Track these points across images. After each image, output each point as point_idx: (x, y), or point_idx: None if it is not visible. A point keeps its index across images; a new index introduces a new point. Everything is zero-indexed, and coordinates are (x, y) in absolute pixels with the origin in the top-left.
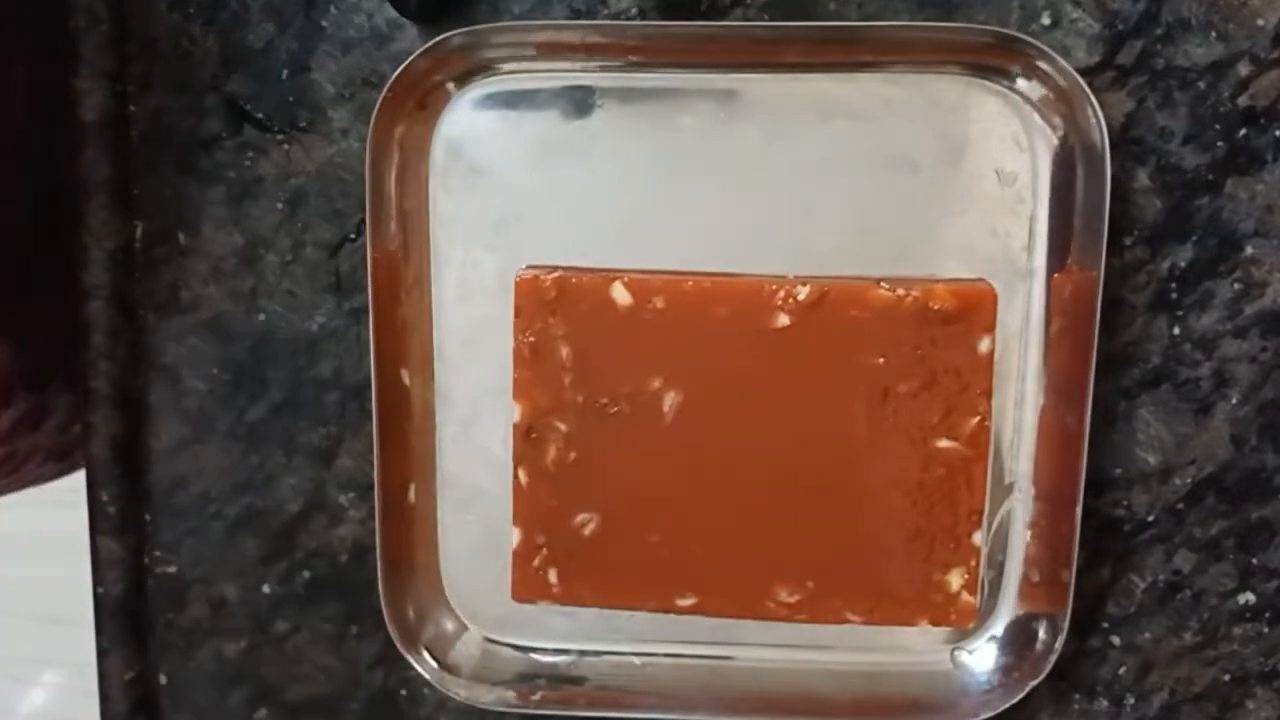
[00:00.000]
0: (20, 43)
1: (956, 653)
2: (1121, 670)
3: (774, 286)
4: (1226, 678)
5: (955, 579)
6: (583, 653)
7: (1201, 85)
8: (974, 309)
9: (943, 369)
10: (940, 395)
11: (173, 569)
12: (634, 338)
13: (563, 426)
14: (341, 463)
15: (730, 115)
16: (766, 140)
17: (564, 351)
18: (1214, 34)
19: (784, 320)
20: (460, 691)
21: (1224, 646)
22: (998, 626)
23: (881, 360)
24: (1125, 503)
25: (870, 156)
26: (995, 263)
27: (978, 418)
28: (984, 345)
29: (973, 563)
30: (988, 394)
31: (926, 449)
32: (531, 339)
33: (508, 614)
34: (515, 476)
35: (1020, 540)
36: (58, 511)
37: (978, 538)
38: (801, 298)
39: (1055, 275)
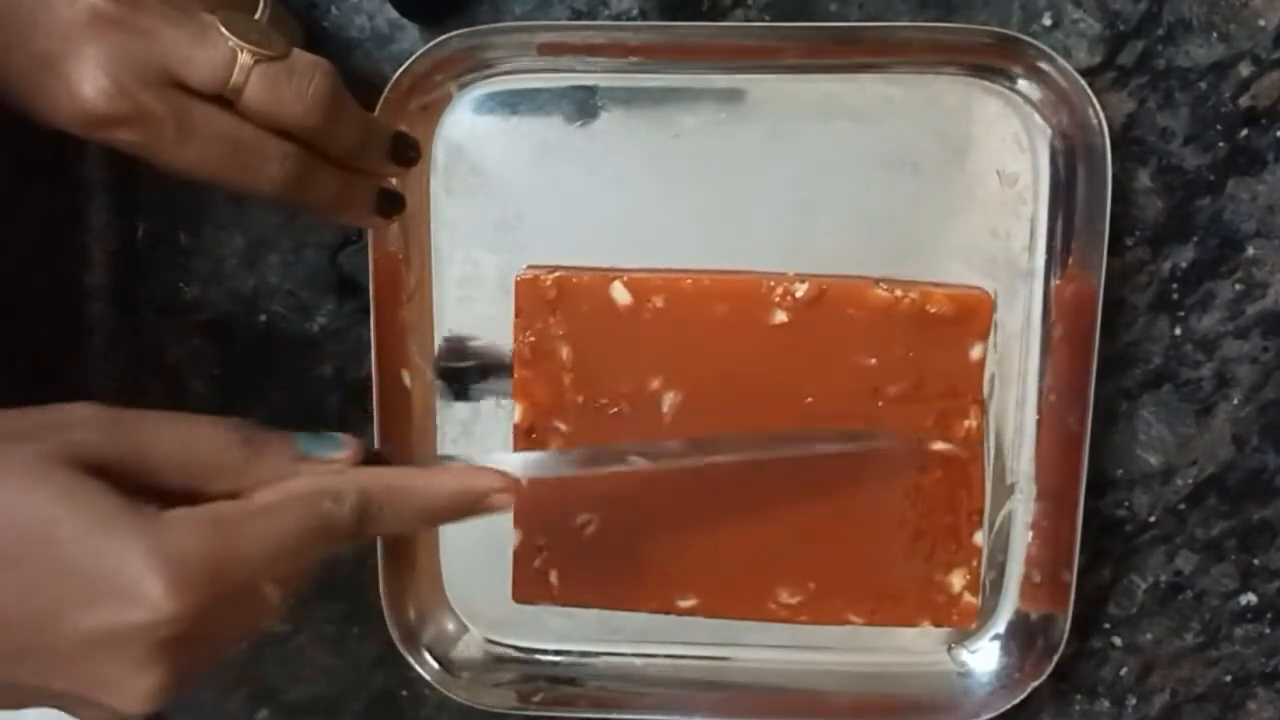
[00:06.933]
0: None
1: (958, 653)
2: (1123, 671)
3: (772, 283)
4: (1228, 678)
5: (957, 580)
6: (583, 654)
7: (1203, 86)
8: (970, 315)
9: (931, 373)
10: (930, 399)
11: None
12: (634, 337)
13: (563, 426)
14: None
15: (732, 115)
16: (768, 140)
17: (564, 351)
18: (1215, 34)
19: (781, 317)
20: (461, 692)
21: (1225, 647)
22: (999, 627)
23: (873, 361)
24: (1127, 503)
25: (871, 157)
26: (996, 263)
27: (971, 421)
28: (975, 352)
29: (974, 563)
30: (978, 399)
31: (922, 451)
32: (531, 339)
33: (508, 615)
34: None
35: (1022, 541)
36: None
37: (979, 538)
38: (800, 295)
39: (1056, 276)
